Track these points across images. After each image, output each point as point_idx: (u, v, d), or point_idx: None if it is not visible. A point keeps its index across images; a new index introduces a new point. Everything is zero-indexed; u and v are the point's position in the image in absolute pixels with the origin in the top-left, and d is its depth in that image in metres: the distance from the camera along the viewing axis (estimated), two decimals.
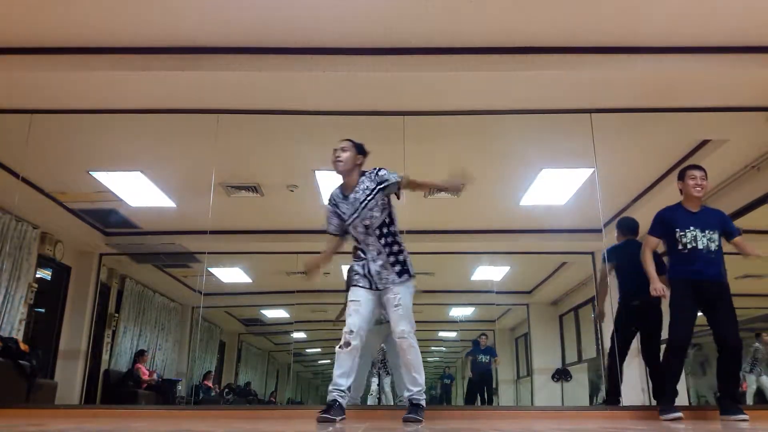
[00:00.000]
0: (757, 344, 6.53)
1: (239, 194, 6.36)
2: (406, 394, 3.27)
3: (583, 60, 4.27)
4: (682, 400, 6.55)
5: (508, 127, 5.13)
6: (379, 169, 3.27)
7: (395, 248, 3.28)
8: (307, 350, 11.73)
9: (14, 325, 6.20)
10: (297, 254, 8.08)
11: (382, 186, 3.24)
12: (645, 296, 3.91)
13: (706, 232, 3.76)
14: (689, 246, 3.76)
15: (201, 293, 8.24)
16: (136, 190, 6.39)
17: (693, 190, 3.82)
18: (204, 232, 5.64)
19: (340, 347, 3.15)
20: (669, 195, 5.97)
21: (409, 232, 5.28)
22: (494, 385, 8.44)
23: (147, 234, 7.81)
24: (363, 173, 3.32)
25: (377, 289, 3.28)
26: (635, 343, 4.67)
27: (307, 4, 3.83)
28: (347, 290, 3.38)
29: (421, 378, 3.24)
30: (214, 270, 8.54)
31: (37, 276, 6.85)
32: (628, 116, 4.92)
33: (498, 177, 6.23)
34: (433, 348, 10.87)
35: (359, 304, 3.23)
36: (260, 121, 5.00)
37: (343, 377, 3.15)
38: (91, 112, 4.90)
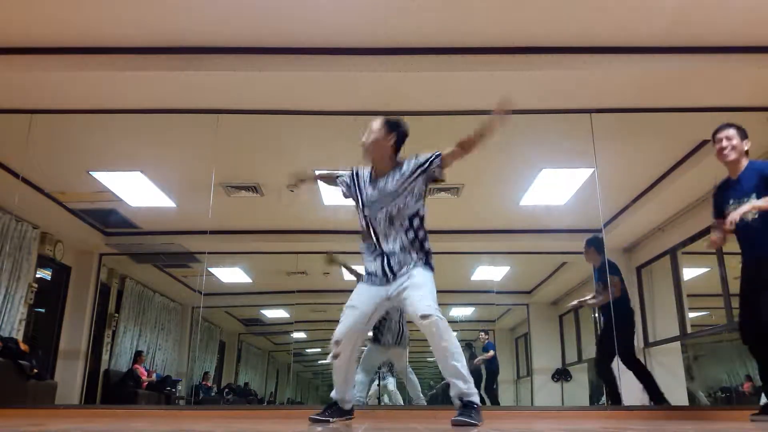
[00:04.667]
0: None
1: (239, 194, 6.36)
2: (451, 392, 2.73)
3: (583, 60, 4.26)
4: (682, 400, 6.59)
5: (508, 127, 5.11)
6: (417, 154, 2.93)
7: (420, 235, 2.93)
8: (307, 350, 11.73)
9: (14, 325, 6.20)
10: (297, 254, 8.10)
11: (422, 168, 2.87)
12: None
13: (743, 200, 3.09)
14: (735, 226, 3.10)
15: (201, 293, 8.24)
16: (136, 190, 6.39)
17: (720, 156, 3.24)
18: (204, 232, 5.65)
19: (333, 358, 2.92)
20: (669, 195, 6.02)
21: None
22: (495, 384, 8.45)
23: (147, 234, 7.80)
24: (399, 163, 2.94)
25: (393, 276, 2.87)
26: (636, 344, 4.81)
27: (307, 4, 3.83)
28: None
29: (465, 369, 2.70)
30: (214, 270, 8.54)
31: (37, 276, 6.84)
32: (628, 116, 4.91)
33: (498, 177, 6.23)
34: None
35: (354, 310, 2.88)
36: (260, 121, 5.00)
37: (343, 384, 2.96)
38: (91, 112, 4.89)
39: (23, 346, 5.76)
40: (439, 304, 2.85)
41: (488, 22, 4.00)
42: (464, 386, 2.69)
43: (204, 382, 9.13)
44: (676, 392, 6.74)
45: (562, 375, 8.25)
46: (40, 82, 4.45)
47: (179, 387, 8.59)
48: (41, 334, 7.08)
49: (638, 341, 7.09)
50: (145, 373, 8.06)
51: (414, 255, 2.90)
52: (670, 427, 2.84)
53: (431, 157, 2.89)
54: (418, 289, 2.80)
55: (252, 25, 4.04)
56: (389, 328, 5.18)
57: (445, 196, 6.41)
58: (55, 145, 5.47)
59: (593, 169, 5.51)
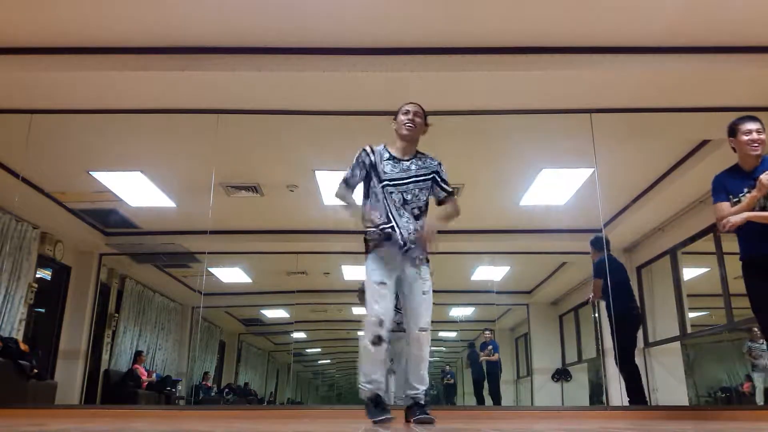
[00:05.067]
0: (749, 343, 6.51)
1: (239, 194, 6.36)
2: (411, 392, 2.94)
3: (583, 60, 4.26)
4: (681, 400, 6.59)
5: (508, 127, 5.13)
6: (440, 163, 3.15)
7: (417, 219, 3.04)
8: (307, 350, 11.74)
9: (14, 325, 6.20)
10: (297, 254, 8.10)
11: (436, 179, 3.09)
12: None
13: None
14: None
15: (201, 293, 8.25)
16: (136, 190, 6.39)
17: (749, 148, 3.11)
18: (204, 232, 5.65)
19: (372, 343, 2.82)
20: (669, 195, 6.02)
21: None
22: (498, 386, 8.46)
23: (147, 234, 7.81)
24: (421, 153, 3.14)
25: (406, 249, 2.96)
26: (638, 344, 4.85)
27: (307, 4, 3.83)
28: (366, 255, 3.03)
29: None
30: (214, 270, 8.54)
31: (37, 276, 6.85)
32: (628, 116, 4.91)
33: (498, 177, 6.24)
34: (433, 348, 10.83)
35: (386, 287, 2.89)
36: (260, 121, 5.00)
37: (383, 372, 2.92)
38: (91, 112, 4.89)
39: (23, 346, 5.76)
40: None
41: (488, 22, 4.00)
42: (422, 390, 2.95)
43: (204, 382, 9.13)
44: (676, 392, 6.74)
45: (562, 375, 8.26)
46: (40, 82, 4.45)
47: (179, 387, 8.59)
48: (41, 334, 7.09)
49: (639, 341, 7.10)
50: (145, 373, 8.07)
51: (421, 248, 3.00)
52: (670, 427, 2.84)
53: (447, 186, 3.14)
54: (426, 297, 2.96)
55: (252, 25, 4.04)
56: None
57: None
58: (55, 145, 5.47)
59: (593, 169, 5.51)
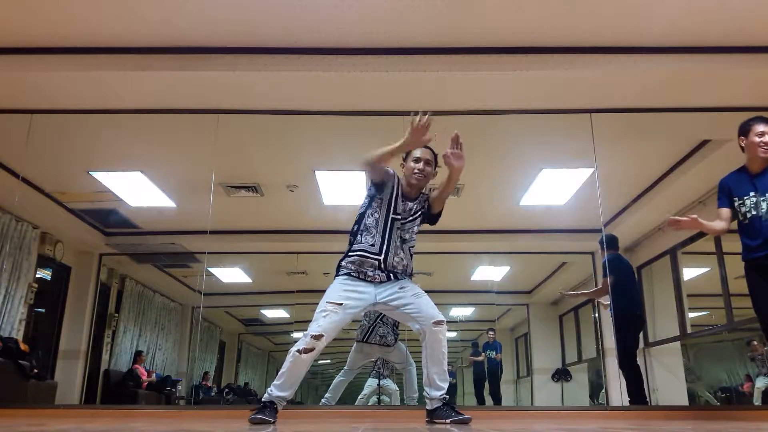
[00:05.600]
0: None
1: (239, 194, 6.36)
2: (437, 393, 2.86)
3: (583, 60, 4.26)
4: (681, 400, 6.59)
5: (508, 127, 5.13)
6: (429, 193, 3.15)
7: (411, 258, 3.09)
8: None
9: (14, 325, 6.20)
10: (297, 254, 8.10)
11: (425, 211, 3.11)
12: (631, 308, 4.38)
13: None
14: (749, 215, 3.12)
15: (201, 293, 8.24)
16: (136, 190, 6.39)
17: (759, 150, 3.11)
18: (204, 232, 5.64)
19: (299, 351, 2.76)
20: (669, 195, 6.02)
21: None
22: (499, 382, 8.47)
23: (147, 234, 7.80)
24: (423, 193, 3.14)
25: (388, 278, 2.93)
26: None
27: (307, 4, 3.83)
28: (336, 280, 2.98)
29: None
30: (214, 270, 8.54)
31: (37, 276, 6.84)
32: (628, 116, 4.92)
33: (498, 177, 6.23)
34: None
35: (341, 309, 2.83)
36: (260, 121, 5.00)
37: (293, 387, 2.85)
38: (91, 112, 4.89)
39: (23, 346, 5.76)
40: (439, 305, 2.92)
41: (488, 22, 4.00)
42: (446, 388, 2.89)
43: (204, 382, 9.13)
44: (676, 392, 6.74)
45: (562, 375, 8.25)
46: (40, 82, 4.45)
47: (179, 387, 8.59)
48: (41, 334, 7.08)
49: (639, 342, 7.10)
50: (145, 373, 8.06)
51: (406, 269, 3.03)
52: (670, 427, 2.84)
53: (426, 201, 3.10)
54: (422, 296, 2.94)
55: (252, 25, 4.04)
56: (373, 328, 5.27)
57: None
58: (55, 145, 5.47)
59: (593, 169, 5.51)
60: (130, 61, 4.25)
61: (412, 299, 2.91)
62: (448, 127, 5.18)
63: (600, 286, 5.36)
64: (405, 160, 3.09)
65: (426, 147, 3.05)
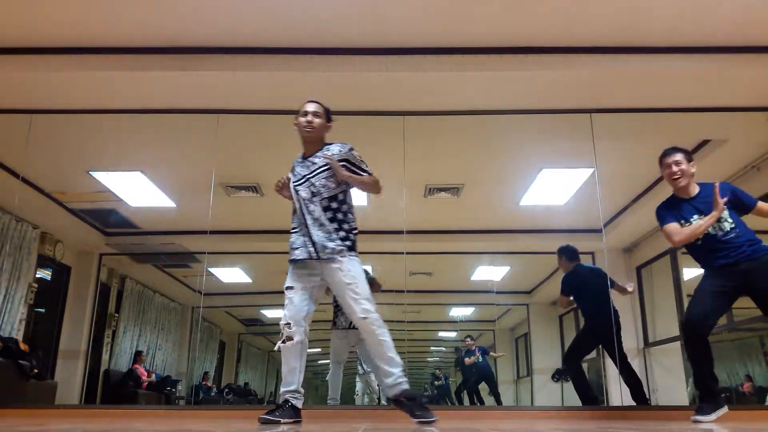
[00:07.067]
0: None
1: (239, 194, 6.36)
2: (388, 379, 2.86)
3: (583, 60, 4.26)
4: (681, 399, 6.59)
5: (508, 127, 5.13)
6: (353, 148, 3.08)
7: (340, 216, 2.99)
8: (307, 350, 11.71)
9: (14, 325, 6.20)
10: None
11: (345, 163, 3.02)
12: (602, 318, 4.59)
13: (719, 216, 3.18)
14: (701, 237, 3.20)
15: (201, 293, 8.24)
16: (136, 190, 6.39)
17: (672, 181, 3.30)
18: (204, 232, 5.64)
19: (282, 342, 2.89)
20: (669, 195, 6.01)
21: (409, 232, 5.30)
22: (496, 384, 8.44)
23: (147, 234, 7.81)
24: (327, 144, 3.14)
25: (318, 258, 2.94)
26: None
27: (307, 4, 3.83)
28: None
29: (398, 357, 2.88)
30: (214, 270, 8.53)
31: (37, 276, 6.85)
32: (628, 116, 4.92)
33: (498, 177, 6.24)
34: (433, 348, 10.86)
35: (293, 292, 2.94)
36: (260, 121, 5.00)
37: (291, 374, 2.90)
38: (91, 112, 4.90)
39: (23, 346, 5.76)
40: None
41: (488, 22, 4.00)
42: (398, 372, 2.85)
43: (204, 382, 9.12)
44: (676, 392, 6.74)
45: (562, 375, 8.24)
46: (40, 82, 4.45)
47: (179, 387, 8.59)
48: (41, 334, 7.08)
49: (638, 341, 7.10)
50: (145, 373, 8.06)
51: (338, 238, 2.95)
52: (670, 426, 2.84)
53: (358, 171, 3.07)
54: (351, 287, 2.87)
55: (252, 25, 4.04)
56: (343, 311, 5.17)
57: (445, 196, 6.41)
58: (55, 145, 5.47)
59: (593, 169, 5.51)
60: (131, 61, 4.25)
61: (346, 291, 2.89)
62: (448, 127, 5.22)
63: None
64: (297, 118, 3.19)
65: (310, 101, 3.18)
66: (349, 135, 5.19)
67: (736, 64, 4.21)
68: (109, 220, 7.24)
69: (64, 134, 5.31)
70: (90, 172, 6.01)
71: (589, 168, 5.63)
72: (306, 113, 3.13)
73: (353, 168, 3.03)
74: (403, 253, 5.54)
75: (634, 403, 4.58)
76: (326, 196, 3.01)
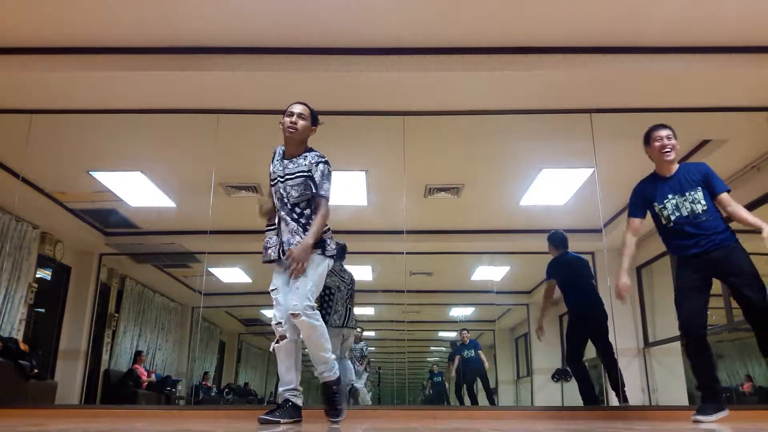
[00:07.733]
0: None
1: (239, 194, 6.36)
2: (316, 373, 3.02)
3: (583, 60, 4.26)
4: (681, 400, 6.59)
5: (508, 127, 5.13)
6: (324, 163, 3.04)
7: (303, 221, 2.99)
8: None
9: (14, 325, 6.20)
10: None
11: (309, 176, 3.01)
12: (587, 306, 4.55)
13: (687, 194, 3.23)
14: (672, 218, 3.23)
15: (201, 293, 8.24)
16: (136, 190, 6.39)
17: (662, 154, 3.31)
18: (204, 232, 5.64)
19: (276, 342, 2.96)
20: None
21: (409, 232, 5.30)
22: (488, 380, 8.42)
23: (147, 234, 7.81)
24: (310, 149, 3.12)
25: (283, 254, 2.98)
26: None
27: (307, 4, 3.83)
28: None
29: (330, 354, 2.99)
30: (214, 270, 8.54)
31: (37, 276, 6.85)
32: (628, 116, 4.91)
33: (498, 177, 6.24)
34: (433, 348, 10.87)
35: (277, 293, 2.99)
36: (260, 121, 4.99)
37: (289, 373, 2.95)
38: (91, 112, 4.90)
39: (23, 346, 5.76)
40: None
41: (488, 22, 4.00)
42: (325, 368, 2.99)
43: (204, 382, 9.12)
44: (676, 392, 6.74)
45: (562, 375, 8.23)
46: (40, 82, 4.45)
47: (179, 387, 8.59)
48: (41, 334, 7.08)
49: (638, 341, 7.09)
50: (145, 373, 8.06)
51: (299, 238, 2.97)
52: (670, 426, 2.84)
53: (315, 189, 3.03)
54: (296, 281, 2.88)
55: (252, 25, 4.04)
56: (336, 309, 5.11)
57: (445, 196, 6.41)
58: (55, 145, 5.47)
59: (593, 169, 5.51)
60: (130, 61, 4.25)
61: (291, 281, 2.91)
62: (448, 127, 5.21)
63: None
64: (282, 117, 3.15)
65: (297, 102, 3.16)
66: (349, 135, 5.21)
67: (736, 64, 4.21)
68: (109, 220, 7.24)
69: (64, 134, 5.31)
70: (90, 172, 6.01)
71: (589, 168, 5.62)
72: (292, 114, 3.12)
73: (310, 181, 3.01)
74: (403, 253, 5.55)
75: (625, 400, 4.61)
76: (294, 202, 3.03)
